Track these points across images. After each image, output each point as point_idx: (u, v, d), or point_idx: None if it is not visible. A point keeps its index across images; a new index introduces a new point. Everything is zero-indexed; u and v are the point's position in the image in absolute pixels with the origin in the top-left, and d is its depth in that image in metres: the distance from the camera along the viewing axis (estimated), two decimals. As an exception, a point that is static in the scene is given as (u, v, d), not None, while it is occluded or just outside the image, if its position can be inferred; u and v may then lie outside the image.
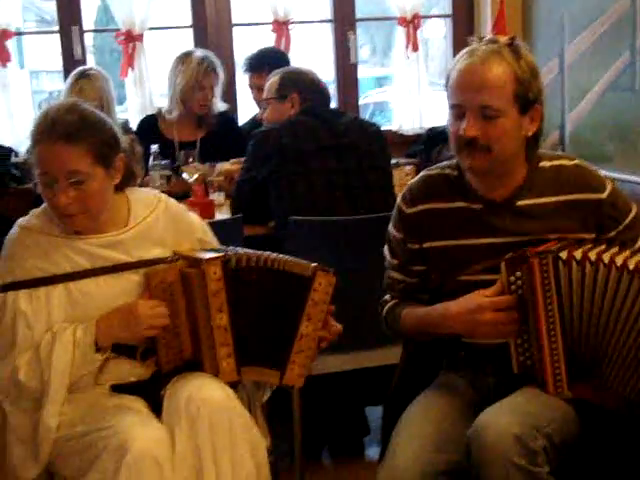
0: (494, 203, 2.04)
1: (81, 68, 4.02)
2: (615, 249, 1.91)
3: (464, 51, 1.98)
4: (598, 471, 1.95)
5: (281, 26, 4.73)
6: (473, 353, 2.07)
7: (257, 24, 5.04)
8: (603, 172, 2.09)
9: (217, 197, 3.54)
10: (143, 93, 4.57)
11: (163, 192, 2.37)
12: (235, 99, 4.79)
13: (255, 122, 4.03)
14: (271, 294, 2.10)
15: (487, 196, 2.04)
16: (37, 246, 2.10)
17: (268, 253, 2.13)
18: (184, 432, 1.95)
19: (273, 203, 3.09)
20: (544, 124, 2.04)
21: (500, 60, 1.92)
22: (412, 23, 4.85)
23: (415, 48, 4.87)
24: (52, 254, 2.10)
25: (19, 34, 4.66)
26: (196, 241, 2.25)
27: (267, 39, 4.75)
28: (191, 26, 4.76)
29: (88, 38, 4.70)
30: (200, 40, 4.72)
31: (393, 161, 3.46)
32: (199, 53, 4.10)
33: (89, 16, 5.04)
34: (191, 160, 3.71)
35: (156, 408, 2.05)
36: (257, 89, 4.06)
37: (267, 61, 4.09)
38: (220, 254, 2.10)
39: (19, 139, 4.40)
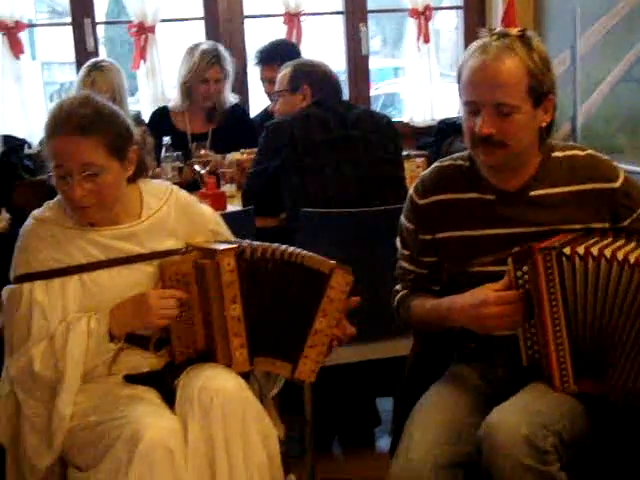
0: (507, 193, 2.04)
1: (93, 60, 4.04)
2: (620, 242, 1.91)
3: (475, 46, 1.97)
4: (608, 466, 1.95)
5: (292, 18, 4.74)
6: (484, 345, 2.08)
7: (269, 16, 5.04)
8: (614, 165, 2.09)
9: (229, 189, 3.56)
10: (155, 85, 4.59)
11: (175, 184, 2.39)
12: (247, 91, 4.79)
13: (267, 114, 4.04)
14: (286, 287, 2.11)
15: (500, 187, 2.05)
16: (51, 237, 2.12)
17: (285, 246, 2.13)
18: (197, 422, 1.96)
19: (285, 195, 3.10)
20: (556, 115, 2.04)
21: (513, 55, 1.92)
22: (423, 15, 4.85)
23: (426, 40, 4.87)
24: (66, 246, 2.11)
25: (31, 26, 4.67)
26: (209, 232, 2.26)
27: (279, 31, 4.76)
28: (203, 18, 4.77)
29: (100, 30, 4.71)
30: (212, 32, 4.72)
31: (404, 153, 3.46)
32: (205, 46, 4.11)
33: (101, 8, 5.05)
34: (203, 152, 3.72)
35: (169, 398, 2.06)
36: (269, 82, 4.07)
37: (278, 54, 4.10)
38: (234, 245, 2.11)
39: (32, 131, 4.43)
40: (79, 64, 4.32)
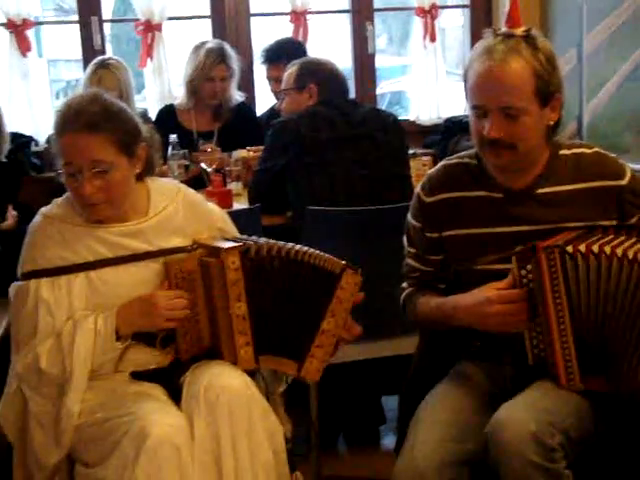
0: (514, 192, 2.04)
1: (100, 58, 4.05)
2: (621, 238, 1.91)
3: (481, 48, 1.96)
4: (615, 464, 1.95)
5: (299, 16, 4.74)
6: (490, 343, 2.08)
7: (275, 14, 5.05)
8: (621, 162, 2.09)
9: (235, 187, 3.56)
10: (162, 83, 4.60)
11: (181, 182, 2.39)
12: (253, 89, 4.80)
13: (273, 112, 4.04)
14: (294, 286, 2.11)
15: (507, 185, 2.05)
16: (59, 235, 2.12)
17: (291, 244, 2.14)
18: (203, 419, 1.96)
19: (291, 193, 3.10)
20: (562, 113, 2.04)
21: (518, 58, 1.91)
22: (430, 13, 4.85)
23: (433, 38, 4.87)
24: (74, 243, 2.12)
25: (39, 24, 4.69)
26: (216, 230, 2.26)
27: (285, 29, 4.76)
28: (209, 16, 4.78)
29: (106, 27, 4.72)
30: (218, 30, 4.73)
31: (410, 151, 3.46)
32: (211, 44, 4.12)
33: (107, 6, 5.06)
34: (209, 150, 3.73)
35: (175, 395, 2.07)
36: (275, 81, 4.07)
37: (284, 52, 4.09)
38: (239, 244, 2.11)
39: (39, 128, 4.44)
40: (86, 62, 4.34)
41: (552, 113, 2.00)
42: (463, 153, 2.16)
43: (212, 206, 2.35)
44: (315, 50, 4.48)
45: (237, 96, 4.22)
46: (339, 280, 2.08)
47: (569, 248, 1.88)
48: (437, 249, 2.13)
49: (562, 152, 2.06)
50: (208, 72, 4.05)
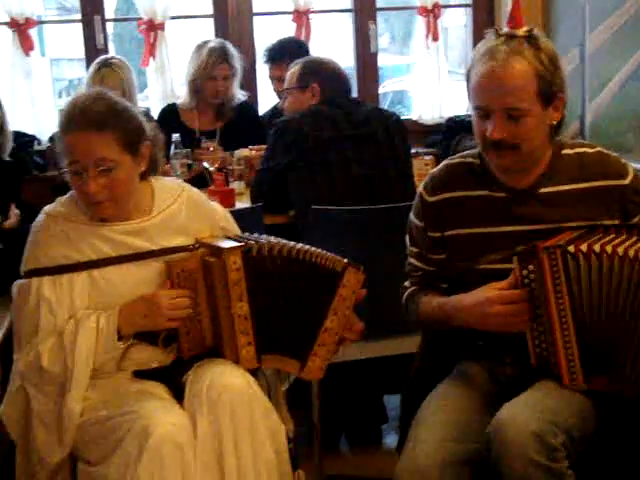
0: (517, 191, 2.04)
1: (103, 57, 4.04)
2: (622, 237, 1.92)
3: (483, 49, 1.96)
4: (617, 464, 1.95)
5: (301, 16, 4.75)
6: (492, 342, 2.08)
7: (277, 13, 5.05)
8: (623, 161, 2.10)
9: (237, 186, 3.57)
10: (164, 82, 4.60)
11: (184, 181, 2.40)
12: (255, 88, 4.80)
13: (276, 111, 4.05)
14: (296, 285, 2.11)
15: (510, 184, 2.05)
16: (62, 233, 2.13)
17: (293, 243, 2.14)
18: (205, 418, 1.97)
19: (293, 192, 3.11)
20: (565, 112, 2.04)
21: (521, 59, 1.91)
22: (432, 12, 4.85)
23: (435, 38, 4.87)
24: (77, 242, 2.12)
25: (41, 23, 4.69)
26: (219, 230, 2.27)
27: (287, 28, 4.76)
28: (212, 15, 4.78)
29: (108, 27, 4.72)
30: (221, 29, 4.73)
31: (412, 151, 3.46)
32: (213, 43, 4.12)
33: (110, 4, 5.06)
34: (211, 149, 3.73)
35: (177, 394, 2.07)
36: (277, 80, 4.08)
37: (287, 52, 4.10)
38: (240, 243, 2.11)
39: (41, 127, 4.44)
40: (89, 61, 4.34)
41: (555, 113, 2.00)
42: (465, 153, 2.16)
43: (215, 205, 2.36)
44: (317, 49, 4.48)
45: (239, 95, 4.22)
46: (341, 278, 2.08)
47: (571, 248, 1.88)
48: (439, 248, 2.13)
49: (565, 151, 2.06)
50: (210, 71, 4.05)
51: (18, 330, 2.15)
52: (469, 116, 2.07)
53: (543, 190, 2.03)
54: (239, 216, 2.44)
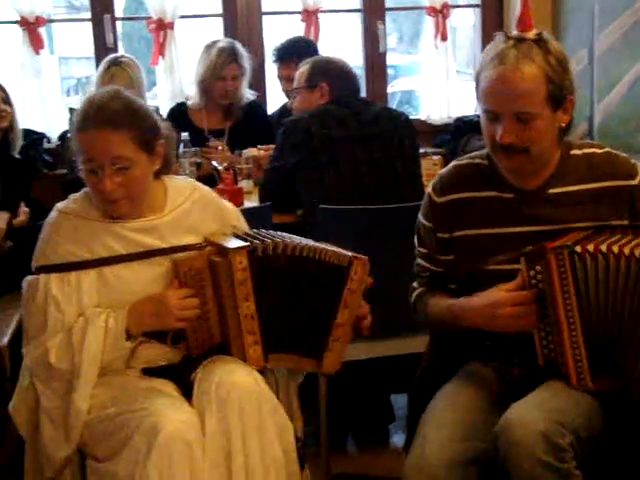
0: (526, 192, 2.05)
1: (113, 55, 4.05)
2: (628, 237, 1.92)
3: (493, 52, 1.95)
4: (625, 464, 1.95)
5: (310, 15, 4.74)
6: (500, 343, 2.08)
7: (286, 13, 5.05)
8: (632, 162, 2.10)
9: (246, 184, 3.57)
10: (173, 81, 4.60)
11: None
12: (264, 88, 4.80)
13: (285, 111, 4.05)
14: (303, 282, 2.11)
15: (519, 185, 2.05)
16: (74, 230, 2.14)
17: (298, 240, 2.14)
18: (214, 415, 1.97)
19: (302, 191, 3.11)
20: (574, 113, 2.04)
21: (531, 64, 1.91)
22: (441, 12, 4.84)
23: (444, 38, 4.85)
24: (88, 239, 2.13)
25: (51, 21, 4.71)
26: (230, 228, 2.27)
27: (296, 28, 4.76)
28: (221, 15, 4.79)
29: (118, 25, 4.73)
30: (230, 28, 4.74)
31: (421, 151, 3.46)
32: (222, 43, 4.12)
33: (119, 3, 5.07)
34: (220, 149, 3.74)
35: (186, 392, 2.07)
36: (286, 80, 4.08)
37: (295, 51, 4.09)
38: (246, 243, 2.11)
39: (51, 125, 4.46)
40: (98, 60, 4.35)
41: (564, 115, 2.00)
42: (474, 153, 2.16)
43: (227, 204, 2.36)
44: (326, 49, 4.48)
45: (248, 95, 4.22)
46: (349, 271, 2.09)
47: (578, 248, 1.88)
48: (448, 249, 2.13)
49: (573, 152, 2.06)
50: (219, 71, 4.05)
51: (26, 325, 2.16)
52: (477, 116, 2.07)
53: (552, 191, 2.03)
54: (248, 215, 2.44)
